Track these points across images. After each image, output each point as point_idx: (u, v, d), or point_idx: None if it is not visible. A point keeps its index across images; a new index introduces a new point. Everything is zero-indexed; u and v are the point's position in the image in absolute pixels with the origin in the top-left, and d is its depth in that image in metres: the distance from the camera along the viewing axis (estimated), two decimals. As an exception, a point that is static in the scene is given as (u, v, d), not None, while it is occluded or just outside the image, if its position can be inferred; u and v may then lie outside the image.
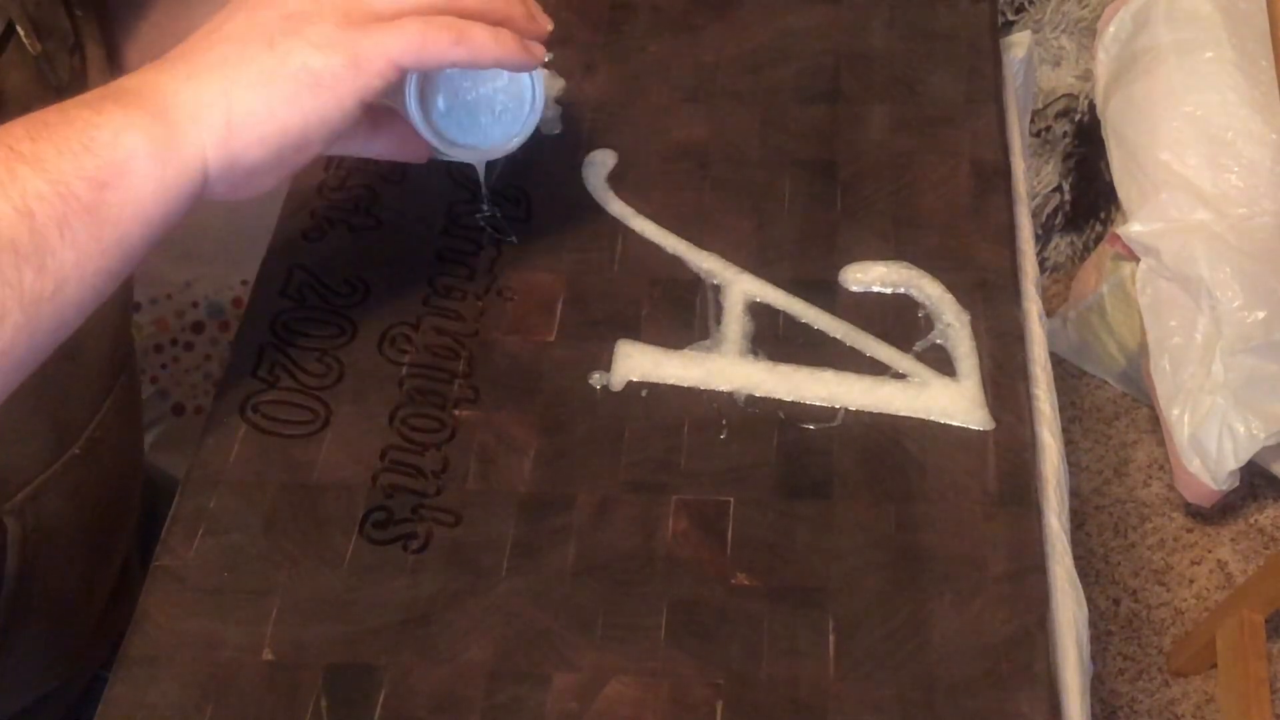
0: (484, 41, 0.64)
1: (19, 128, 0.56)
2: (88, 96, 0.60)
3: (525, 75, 0.71)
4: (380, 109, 0.69)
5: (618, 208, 0.81)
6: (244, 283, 1.23)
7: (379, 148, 0.72)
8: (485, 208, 0.81)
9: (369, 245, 0.80)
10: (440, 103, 0.71)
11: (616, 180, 0.83)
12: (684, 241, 0.79)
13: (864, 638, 0.63)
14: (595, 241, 0.80)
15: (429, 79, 0.69)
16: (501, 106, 0.72)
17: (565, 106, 0.87)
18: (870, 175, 0.81)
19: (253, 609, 0.65)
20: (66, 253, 0.56)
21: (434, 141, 0.71)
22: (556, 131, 0.86)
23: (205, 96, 0.60)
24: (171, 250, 1.21)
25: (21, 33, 0.69)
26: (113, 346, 0.81)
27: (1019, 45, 0.95)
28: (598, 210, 0.81)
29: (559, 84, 0.88)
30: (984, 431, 0.69)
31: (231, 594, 0.66)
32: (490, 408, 0.72)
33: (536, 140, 0.84)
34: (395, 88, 0.65)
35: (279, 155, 0.62)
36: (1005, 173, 0.81)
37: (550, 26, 0.70)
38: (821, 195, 0.81)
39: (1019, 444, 0.69)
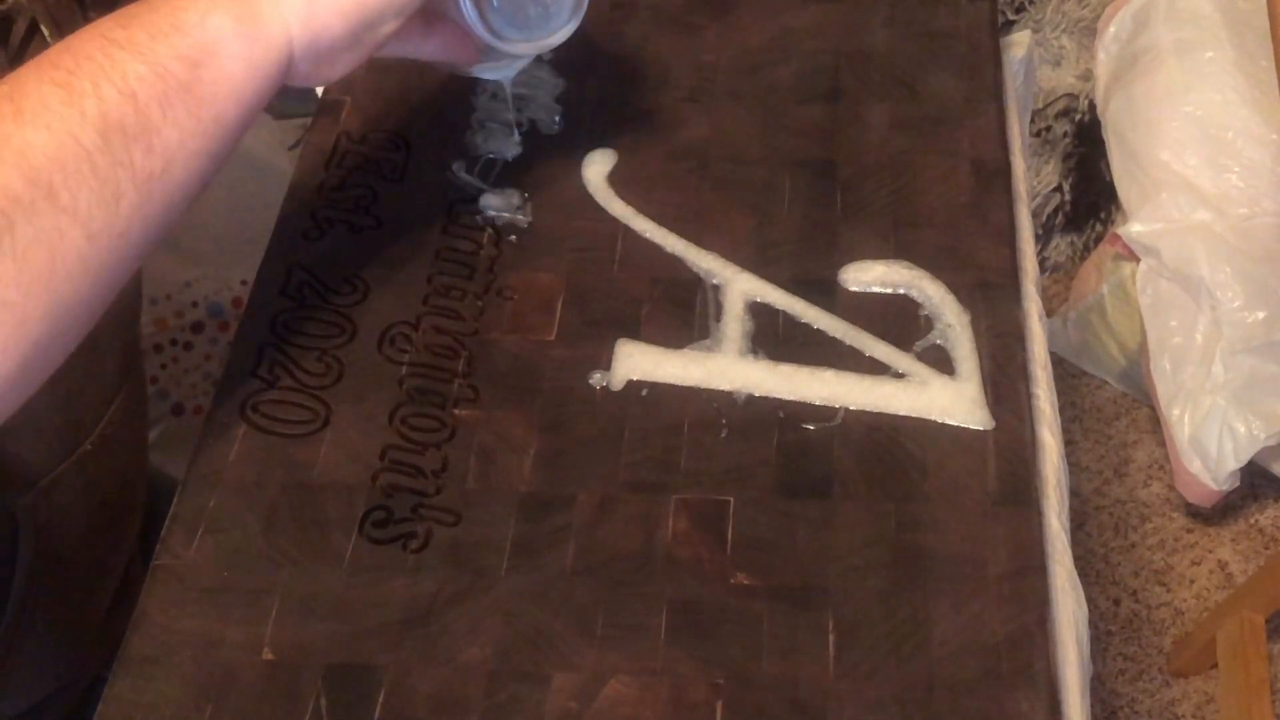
0: None
1: (108, 20, 0.58)
2: None
3: None
4: (433, 12, 0.71)
5: (618, 207, 0.81)
6: (244, 283, 1.22)
7: (431, 48, 0.72)
8: (518, 132, 0.85)
9: (369, 245, 0.80)
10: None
11: (616, 179, 0.82)
12: (684, 241, 0.79)
13: (864, 637, 0.63)
14: (595, 241, 0.79)
15: None
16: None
17: (565, 106, 0.87)
18: (870, 175, 0.81)
19: (252, 608, 0.65)
20: (170, 131, 0.58)
21: (485, 36, 0.71)
22: (557, 131, 0.86)
23: None
24: (172, 250, 1.21)
25: (46, 32, 0.71)
26: (124, 344, 0.82)
27: (1019, 45, 0.95)
28: (598, 210, 0.81)
29: (560, 83, 0.88)
30: (984, 431, 0.69)
31: (231, 593, 0.66)
32: (490, 407, 0.72)
33: (537, 139, 0.85)
34: None
35: (357, 31, 0.64)
36: (1005, 172, 0.81)
37: None
38: (821, 195, 0.80)
39: (1019, 444, 0.69)
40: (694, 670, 0.62)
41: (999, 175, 0.81)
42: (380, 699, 0.62)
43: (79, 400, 0.78)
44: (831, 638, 0.63)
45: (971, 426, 0.70)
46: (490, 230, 0.80)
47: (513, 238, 0.80)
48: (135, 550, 0.92)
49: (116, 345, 0.80)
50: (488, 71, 0.78)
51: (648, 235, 0.79)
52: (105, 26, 0.58)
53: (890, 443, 0.70)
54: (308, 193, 0.83)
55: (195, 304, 1.23)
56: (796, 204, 0.80)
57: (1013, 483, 0.67)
